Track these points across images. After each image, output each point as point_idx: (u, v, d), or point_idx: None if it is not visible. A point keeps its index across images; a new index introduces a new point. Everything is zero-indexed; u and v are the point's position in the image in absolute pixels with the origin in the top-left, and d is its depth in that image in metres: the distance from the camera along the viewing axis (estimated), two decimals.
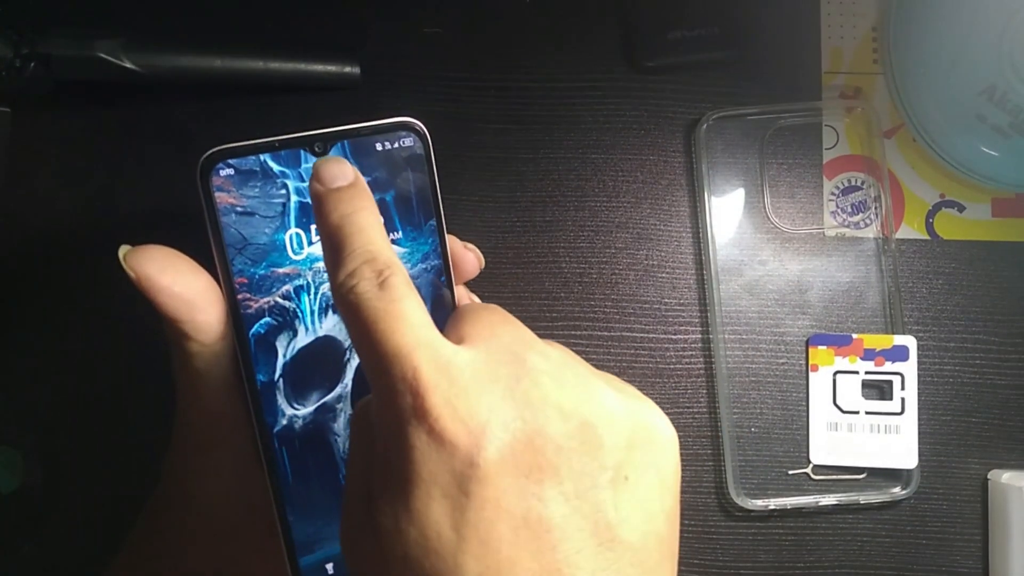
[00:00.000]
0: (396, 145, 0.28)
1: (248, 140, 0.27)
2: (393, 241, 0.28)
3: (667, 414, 0.42)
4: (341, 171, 0.24)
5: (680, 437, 0.43)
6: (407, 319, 0.21)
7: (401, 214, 0.28)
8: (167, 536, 0.29)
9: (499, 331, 0.23)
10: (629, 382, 0.43)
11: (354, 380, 0.28)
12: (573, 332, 0.42)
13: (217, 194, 0.27)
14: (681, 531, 0.43)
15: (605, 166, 0.43)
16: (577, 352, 0.43)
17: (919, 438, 0.42)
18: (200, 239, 0.27)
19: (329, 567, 0.28)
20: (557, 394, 0.21)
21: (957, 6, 0.42)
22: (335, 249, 0.22)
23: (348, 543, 0.22)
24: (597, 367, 0.44)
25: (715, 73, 0.43)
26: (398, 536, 0.20)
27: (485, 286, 0.42)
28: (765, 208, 0.43)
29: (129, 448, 0.40)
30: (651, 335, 0.43)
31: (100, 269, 0.41)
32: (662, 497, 0.22)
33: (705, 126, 0.42)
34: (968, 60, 0.42)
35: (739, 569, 0.42)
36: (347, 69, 0.41)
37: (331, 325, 0.28)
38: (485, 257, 0.42)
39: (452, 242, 0.29)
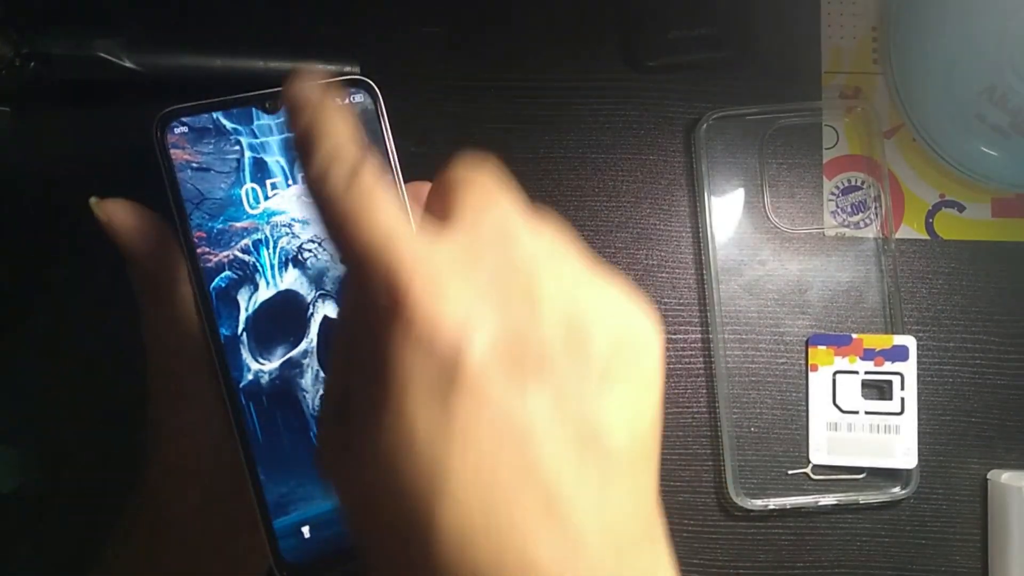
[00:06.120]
0: (346, 101, 0.28)
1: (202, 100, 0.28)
2: None
3: (667, 414, 0.43)
4: (309, 87, 0.23)
5: (680, 437, 0.43)
6: (379, 213, 0.19)
7: None
8: (144, 531, 0.29)
9: (487, 204, 0.21)
10: None
11: (319, 335, 0.29)
12: None
13: (172, 151, 0.28)
14: (681, 531, 0.43)
15: (605, 166, 0.43)
16: None
17: (919, 438, 0.42)
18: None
19: (305, 530, 0.28)
20: (545, 287, 0.20)
21: (957, 6, 0.42)
22: (306, 152, 0.21)
23: (324, 451, 0.21)
24: None
25: (715, 73, 0.43)
26: (379, 439, 0.19)
27: None
28: (765, 208, 0.43)
29: (129, 448, 0.40)
30: None
31: (101, 269, 0.41)
32: (648, 402, 0.21)
33: (705, 126, 0.42)
34: (968, 60, 0.42)
35: (739, 569, 0.42)
36: (347, 69, 0.41)
37: (292, 279, 0.28)
38: None
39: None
